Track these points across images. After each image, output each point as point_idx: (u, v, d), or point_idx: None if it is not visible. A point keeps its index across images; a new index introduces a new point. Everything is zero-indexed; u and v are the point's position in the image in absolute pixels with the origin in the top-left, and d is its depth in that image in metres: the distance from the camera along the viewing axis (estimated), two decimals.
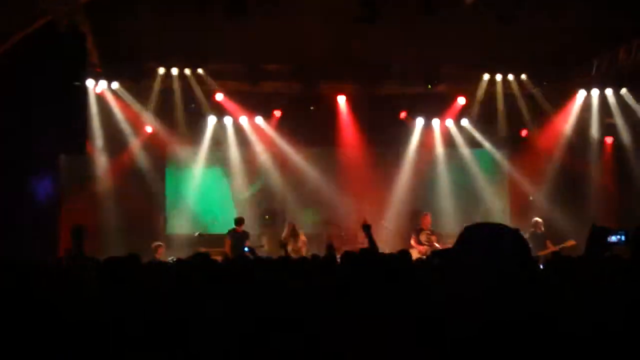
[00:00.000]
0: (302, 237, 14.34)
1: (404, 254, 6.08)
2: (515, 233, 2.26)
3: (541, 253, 13.13)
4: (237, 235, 13.97)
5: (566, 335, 2.26)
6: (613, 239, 3.41)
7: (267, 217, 16.68)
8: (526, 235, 14.04)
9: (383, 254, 5.46)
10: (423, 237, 14.40)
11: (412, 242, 14.33)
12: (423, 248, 13.89)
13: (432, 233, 14.44)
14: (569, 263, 4.93)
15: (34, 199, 13.32)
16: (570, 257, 5.46)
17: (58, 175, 14.20)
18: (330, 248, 7.97)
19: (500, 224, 2.29)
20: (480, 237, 2.24)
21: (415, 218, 16.26)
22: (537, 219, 14.41)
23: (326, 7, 13.07)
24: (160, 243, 13.53)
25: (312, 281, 5.42)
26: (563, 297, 3.70)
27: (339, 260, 7.45)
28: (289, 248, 14.17)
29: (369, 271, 4.17)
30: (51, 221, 13.59)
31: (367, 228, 7.13)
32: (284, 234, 14.31)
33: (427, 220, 14.64)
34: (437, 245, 13.83)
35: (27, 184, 13.23)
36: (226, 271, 5.50)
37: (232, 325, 3.99)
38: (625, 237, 3.34)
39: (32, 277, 4.74)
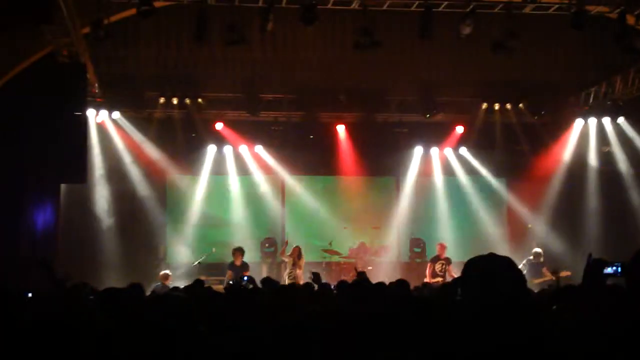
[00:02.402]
0: (302, 263, 14.46)
1: (402, 283, 6.13)
2: (510, 263, 2.34)
3: (537, 281, 13.24)
4: (237, 267, 14.00)
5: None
6: (609, 270, 3.44)
7: (267, 245, 16.68)
8: (523, 263, 14.15)
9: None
10: (438, 267, 14.50)
11: (427, 274, 14.43)
12: (436, 281, 13.91)
13: (448, 262, 14.52)
14: (565, 291, 4.97)
15: (33, 228, 13.33)
16: (568, 286, 5.49)
17: (58, 204, 14.21)
18: (361, 274, 8.07)
19: (496, 255, 2.38)
20: (478, 269, 2.33)
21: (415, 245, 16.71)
22: (537, 249, 14.53)
23: (324, 36, 13.24)
24: (169, 272, 13.58)
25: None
26: (558, 322, 3.73)
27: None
28: (287, 270, 14.33)
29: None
30: (49, 250, 13.55)
31: (362, 275, 7.26)
32: (289, 253, 14.50)
33: (441, 248, 14.77)
34: (453, 274, 13.83)
35: (27, 213, 13.24)
36: (223, 300, 5.51)
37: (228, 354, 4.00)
38: (622, 269, 3.38)
39: (28, 307, 4.75)
